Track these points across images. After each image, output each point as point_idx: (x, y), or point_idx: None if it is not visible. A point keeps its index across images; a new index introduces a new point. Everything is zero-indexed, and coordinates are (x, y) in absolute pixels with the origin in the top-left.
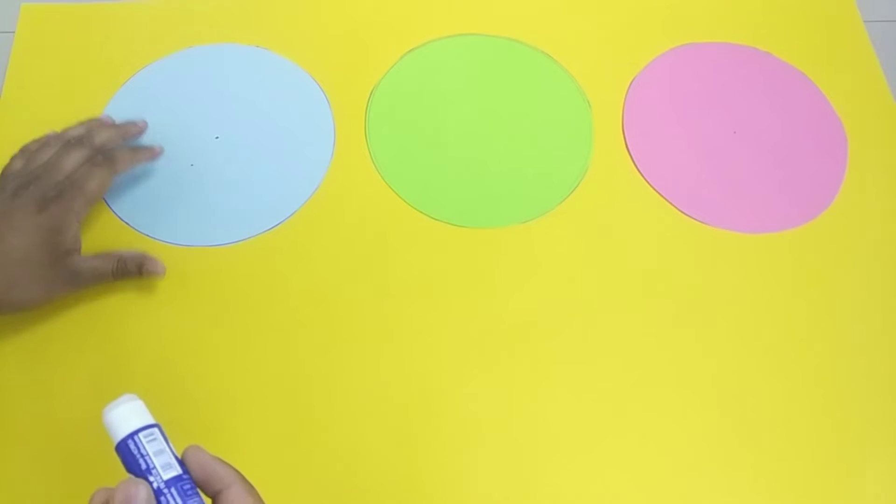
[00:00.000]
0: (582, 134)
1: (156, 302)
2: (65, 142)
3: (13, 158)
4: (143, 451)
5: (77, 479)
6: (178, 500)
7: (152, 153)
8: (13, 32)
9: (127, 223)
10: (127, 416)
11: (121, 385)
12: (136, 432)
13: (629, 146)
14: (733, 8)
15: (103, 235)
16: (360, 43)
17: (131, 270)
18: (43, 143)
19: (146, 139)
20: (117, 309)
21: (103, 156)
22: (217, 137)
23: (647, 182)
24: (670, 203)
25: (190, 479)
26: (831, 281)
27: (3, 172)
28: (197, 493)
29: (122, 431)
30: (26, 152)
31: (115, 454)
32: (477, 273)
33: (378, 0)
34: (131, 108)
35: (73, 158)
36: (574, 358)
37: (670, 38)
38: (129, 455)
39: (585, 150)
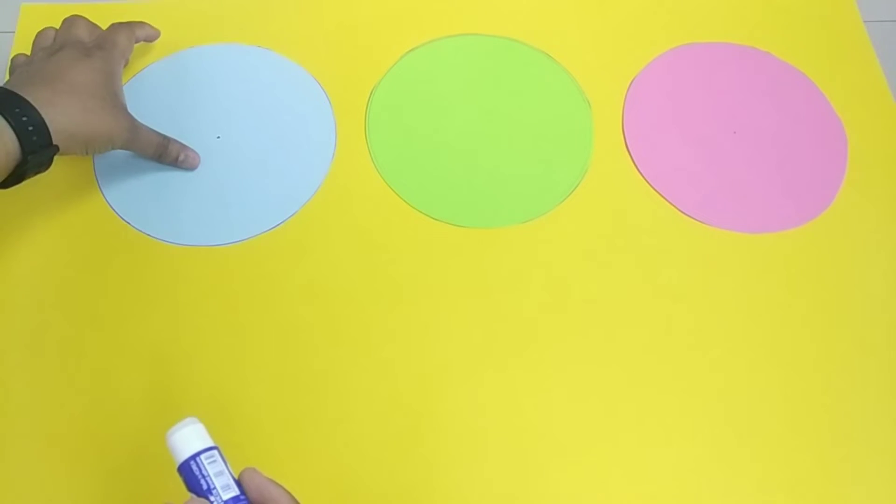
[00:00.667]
0: (582, 134)
1: (156, 301)
2: (67, 24)
3: (17, 55)
4: (204, 472)
5: (79, 480)
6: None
7: (153, 31)
8: (13, 32)
9: (128, 222)
10: (190, 438)
11: (120, 384)
12: (198, 454)
13: (629, 146)
14: (733, 8)
15: (103, 234)
16: (361, 43)
17: (171, 153)
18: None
19: None
20: (117, 308)
21: (118, 22)
22: (218, 137)
23: (647, 182)
24: (670, 203)
25: (246, 499)
26: (831, 281)
27: (13, 63)
28: None
29: (185, 453)
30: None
31: (168, 473)
32: (477, 273)
33: (378, 0)
34: (132, 108)
35: (81, 26)
36: (574, 357)
37: (670, 38)
38: (191, 475)
39: (585, 150)
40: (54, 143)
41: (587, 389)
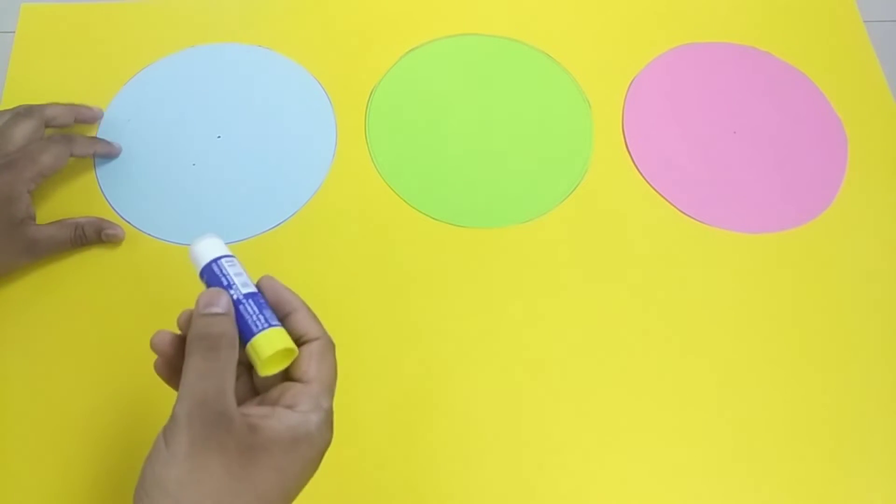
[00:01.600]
0: (582, 134)
1: (156, 300)
2: (14, 113)
3: None
4: (224, 272)
5: (76, 478)
6: (254, 309)
7: (111, 149)
8: (13, 32)
9: (128, 221)
10: (211, 246)
11: (119, 385)
12: (220, 258)
13: (629, 146)
14: (733, 8)
15: None
16: (361, 43)
17: (90, 236)
18: None
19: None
20: (116, 306)
21: (62, 135)
22: (219, 137)
23: (647, 182)
24: (670, 203)
25: (264, 299)
26: (831, 281)
27: None
28: (270, 308)
29: (206, 257)
30: None
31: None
32: (477, 273)
33: (378, 0)
34: (133, 107)
35: (22, 128)
36: (574, 357)
37: (670, 38)
38: (212, 276)
39: (585, 150)
40: None
41: (587, 389)
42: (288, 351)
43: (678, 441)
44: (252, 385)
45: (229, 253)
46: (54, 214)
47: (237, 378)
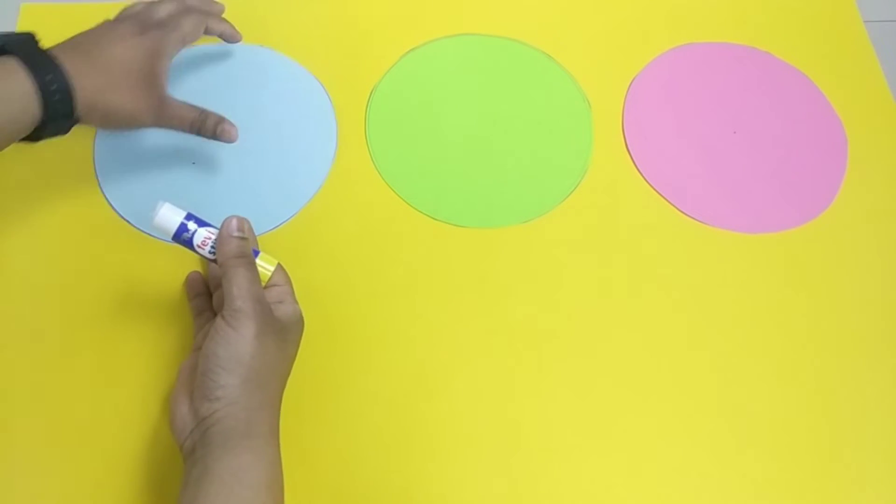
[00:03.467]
0: (582, 134)
1: (156, 300)
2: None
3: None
4: (202, 221)
5: (76, 478)
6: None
7: (234, 33)
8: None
9: (127, 220)
10: (172, 211)
11: (119, 383)
12: (180, 231)
13: (629, 146)
14: (733, 8)
15: (102, 232)
16: (361, 43)
17: (209, 127)
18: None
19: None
20: (115, 306)
21: (199, 8)
22: None
23: (647, 182)
24: (670, 203)
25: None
26: (831, 281)
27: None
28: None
29: (178, 218)
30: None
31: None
32: (477, 273)
33: (378, 0)
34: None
35: (166, 7)
36: (574, 357)
37: (670, 38)
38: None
39: (585, 150)
40: (76, 113)
41: (587, 388)
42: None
43: (678, 440)
44: None
45: (182, 217)
46: (51, 212)
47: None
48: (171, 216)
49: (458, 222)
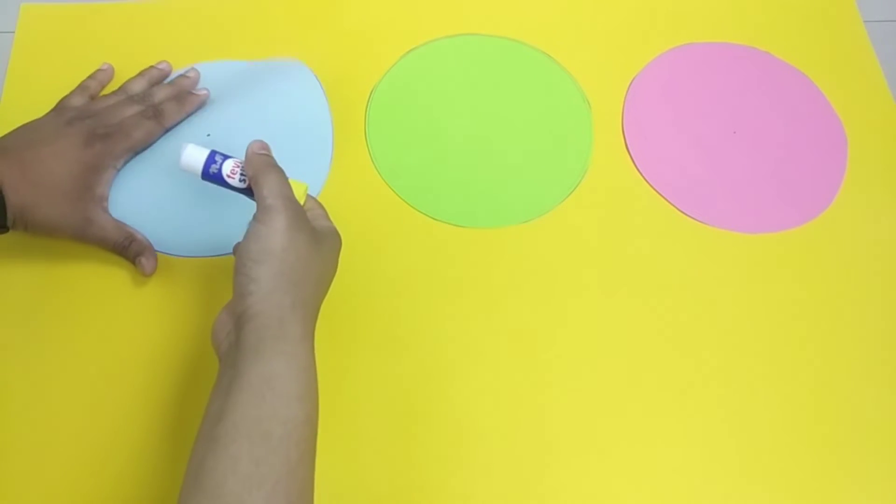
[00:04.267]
0: (582, 134)
1: (156, 303)
2: (128, 96)
3: (72, 93)
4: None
5: (76, 478)
6: None
7: (199, 100)
8: (13, 32)
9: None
10: (193, 155)
11: (118, 390)
12: (207, 165)
13: (629, 146)
14: (733, 8)
15: None
16: (360, 43)
17: (129, 255)
18: (110, 92)
19: None
20: (115, 307)
21: (154, 109)
22: (208, 135)
23: (647, 182)
24: (670, 203)
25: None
26: (831, 281)
27: (61, 102)
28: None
29: (203, 154)
30: (86, 90)
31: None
32: (477, 273)
33: (378, 0)
34: None
35: (131, 111)
36: (574, 357)
37: (670, 38)
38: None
39: (585, 150)
40: (7, 223)
41: (587, 388)
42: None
43: (678, 440)
44: None
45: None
46: None
47: None
48: (196, 154)
49: (458, 222)
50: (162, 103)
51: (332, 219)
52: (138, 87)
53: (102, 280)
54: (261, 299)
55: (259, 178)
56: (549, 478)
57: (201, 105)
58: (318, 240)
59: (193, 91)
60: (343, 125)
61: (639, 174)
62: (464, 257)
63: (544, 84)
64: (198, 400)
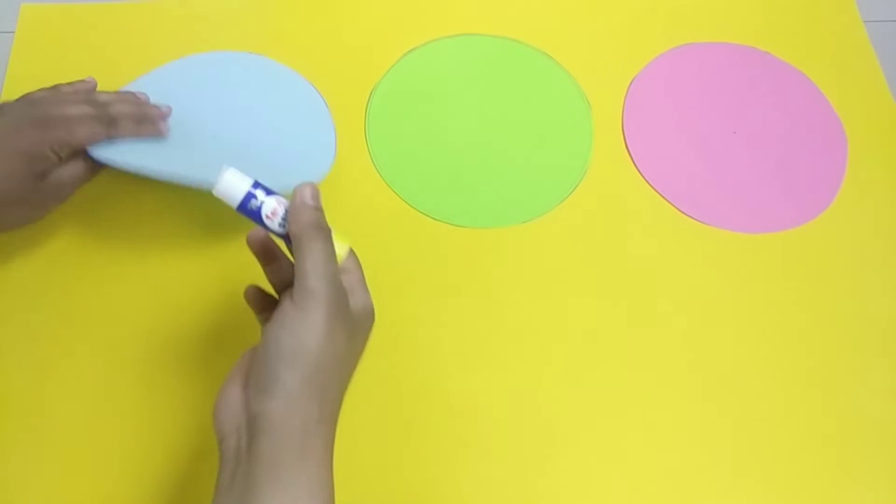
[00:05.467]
0: (582, 134)
1: (156, 302)
2: (88, 98)
3: (40, 90)
4: (269, 190)
5: (76, 478)
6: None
7: (156, 131)
8: (13, 32)
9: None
10: (233, 183)
11: (117, 391)
12: (246, 199)
13: (629, 146)
14: (733, 8)
15: (101, 233)
16: (361, 43)
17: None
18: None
19: None
20: (114, 306)
21: (109, 117)
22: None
23: (647, 182)
24: (670, 203)
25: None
26: (831, 281)
27: (22, 96)
28: None
29: (245, 184)
30: (55, 89)
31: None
32: (477, 273)
33: (378, 0)
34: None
35: (81, 109)
36: (574, 357)
37: (670, 38)
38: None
39: (585, 150)
40: None
41: (587, 388)
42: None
43: (678, 440)
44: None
45: (250, 185)
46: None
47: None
48: (236, 183)
49: (458, 222)
50: (120, 117)
51: (332, 218)
52: (104, 97)
53: (102, 280)
54: (284, 406)
55: (303, 243)
56: (549, 477)
57: (157, 135)
58: (355, 329)
59: (156, 122)
60: (343, 125)
61: (639, 174)
62: (464, 257)
63: (544, 84)
64: (198, 399)
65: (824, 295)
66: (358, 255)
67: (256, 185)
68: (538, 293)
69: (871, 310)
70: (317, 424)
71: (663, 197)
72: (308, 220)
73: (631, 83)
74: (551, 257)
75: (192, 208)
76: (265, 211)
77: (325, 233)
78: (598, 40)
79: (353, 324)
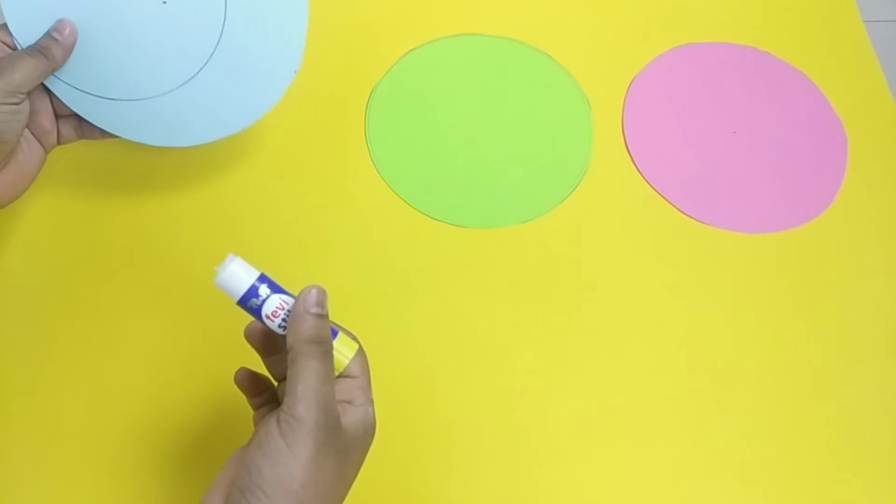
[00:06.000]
0: (582, 134)
1: (157, 303)
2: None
3: None
4: (276, 286)
5: (76, 478)
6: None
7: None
8: None
9: None
10: (245, 267)
11: (118, 390)
12: (262, 276)
13: (629, 146)
14: (733, 8)
15: (101, 233)
16: (361, 43)
17: (57, 46)
18: None
19: None
20: (115, 306)
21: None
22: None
23: (647, 182)
24: (670, 203)
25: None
26: (831, 281)
27: None
28: None
29: (251, 276)
30: None
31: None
32: (477, 273)
33: (378, 0)
34: None
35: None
36: (574, 357)
37: (670, 38)
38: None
39: (585, 150)
40: None
41: (587, 388)
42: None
43: (678, 440)
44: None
45: (255, 279)
46: (49, 213)
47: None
48: (241, 274)
49: (458, 222)
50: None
51: (332, 218)
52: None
53: (103, 279)
54: None
55: (298, 361)
56: (549, 477)
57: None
58: (347, 455)
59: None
60: (343, 125)
61: (639, 174)
62: (464, 257)
63: (544, 84)
64: (200, 399)
65: (824, 295)
66: (357, 255)
67: (262, 278)
68: (538, 293)
69: (871, 310)
70: None
71: (663, 197)
72: (306, 334)
73: (631, 83)
74: (551, 257)
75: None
76: (266, 310)
77: (324, 348)
78: (598, 40)
79: (346, 449)
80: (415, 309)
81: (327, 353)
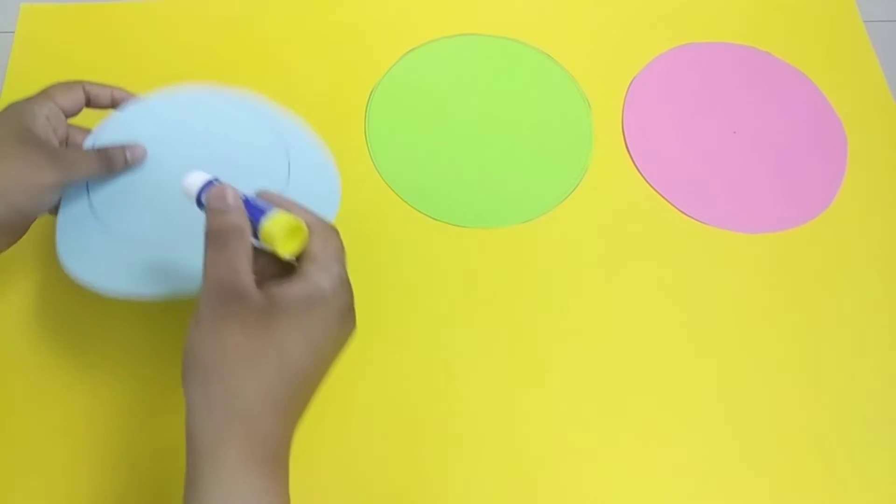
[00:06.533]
0: (582, 134)
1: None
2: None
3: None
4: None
5: (77, 478)
6: (261, 203)
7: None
8: (13, 32)
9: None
10: (200, 176)
11: (117, 390)
12: (212, 180)
13: (629, 146)
14: (733, 8)
15: None
16: (361, 43)
17: (117, 161)
18: None
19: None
20: (114, 305)
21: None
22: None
23: (647, 182)
24: (670, 203)
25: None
26: (831, 281)
27: None
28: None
29: (200, 181)
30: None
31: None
32: (477, 273)
33: (378, 0)
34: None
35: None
36: (574, 357)
37: (670, 38)
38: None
39: (585, 150)
40: None
41: (587, 388)
42: (298, 229)
43: (679, 440)
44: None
45: (210, 178)
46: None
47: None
48: (195, 178)
49: (458, 222)
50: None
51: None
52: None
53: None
54: (190, 415)
55: (204, 251)
56: (549, 477)
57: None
58: (270, 323)
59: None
60: (343, 125)
61: (639, 174)
62: (464, 257)
63: (544, 84)
64: None
65: (824, 295)
66: (358, 255)
67: (213, 181)
68: (538, 293)
69: (871, 310)
70: (223, 430)
71: (663, 197)
72: (206, 227)
73: (631, 83)
74: (551, 257)
75: None
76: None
77: (214, 236)
78: (598, 40)
79: (264, 318)
80: (414, 308)
81: (222, 241)
